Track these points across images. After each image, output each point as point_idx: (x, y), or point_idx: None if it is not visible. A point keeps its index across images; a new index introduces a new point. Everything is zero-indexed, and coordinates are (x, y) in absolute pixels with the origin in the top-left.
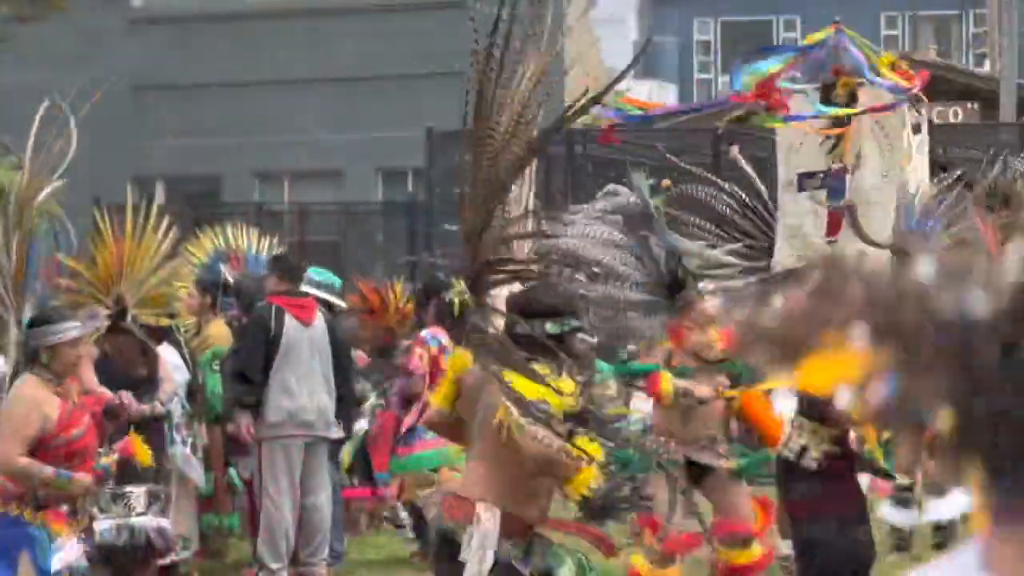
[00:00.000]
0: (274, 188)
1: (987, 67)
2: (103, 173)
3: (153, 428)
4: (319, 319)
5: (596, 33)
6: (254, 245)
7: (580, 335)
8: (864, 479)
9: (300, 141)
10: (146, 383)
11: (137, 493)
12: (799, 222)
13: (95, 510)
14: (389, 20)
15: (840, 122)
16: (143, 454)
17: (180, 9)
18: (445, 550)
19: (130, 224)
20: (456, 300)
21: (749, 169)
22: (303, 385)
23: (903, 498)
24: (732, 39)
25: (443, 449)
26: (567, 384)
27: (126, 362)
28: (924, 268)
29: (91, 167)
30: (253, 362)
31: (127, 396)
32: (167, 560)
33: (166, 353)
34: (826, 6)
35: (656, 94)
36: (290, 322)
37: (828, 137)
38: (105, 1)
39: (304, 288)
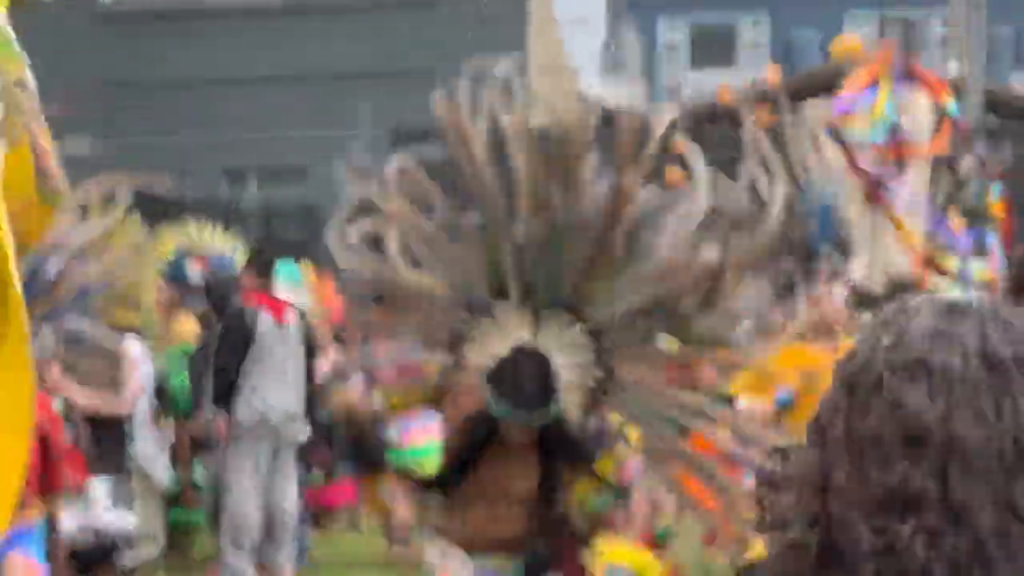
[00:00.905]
0: (240, 185)
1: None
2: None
3: (116, 425)
4: (293, 319)
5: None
6: (218, 242)
7: None
8: None
9: (267, 138)
10: (112, 380)
11: (99, 487)
12: None
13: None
14: (357, 18)
15: None
16: None
17: (148, 7)
18: None
19: (98, 221)
20: None
21: None
22: (274, 385)
23: None
24: (699, 39)
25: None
26: None
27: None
28: None
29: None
30: (235, 361)
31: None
32: (131, 557)
33: (132, 350)
34: (795, 7)
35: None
36: (267, 322)
37: None
38: None
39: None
